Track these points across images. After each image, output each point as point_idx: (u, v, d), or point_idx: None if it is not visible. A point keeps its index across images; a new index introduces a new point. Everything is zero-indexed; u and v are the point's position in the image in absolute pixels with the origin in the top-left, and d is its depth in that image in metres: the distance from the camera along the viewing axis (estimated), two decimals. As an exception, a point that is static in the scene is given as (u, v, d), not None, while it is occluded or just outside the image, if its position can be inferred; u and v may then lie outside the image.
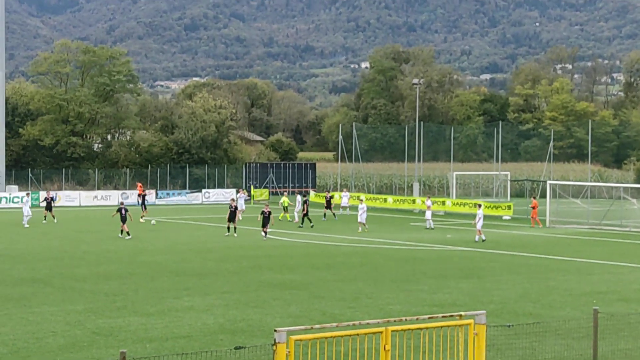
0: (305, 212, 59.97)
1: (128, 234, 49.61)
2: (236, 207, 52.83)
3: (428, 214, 59.15)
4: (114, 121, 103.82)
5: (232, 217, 51.51)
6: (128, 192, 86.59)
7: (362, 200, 61.42)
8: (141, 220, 62.01)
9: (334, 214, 66.60)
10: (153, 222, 54.55)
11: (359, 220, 55.99)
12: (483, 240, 48.85)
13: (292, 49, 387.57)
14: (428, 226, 58.41)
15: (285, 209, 64.64)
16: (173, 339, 22.35)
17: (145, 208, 63.88)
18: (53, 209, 62.27)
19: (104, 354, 20.59)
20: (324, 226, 59.09)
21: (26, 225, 57.28)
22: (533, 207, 62.20)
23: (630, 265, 39.13)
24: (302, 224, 59.44)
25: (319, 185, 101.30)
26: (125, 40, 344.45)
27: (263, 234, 49.20)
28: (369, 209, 75.43)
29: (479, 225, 49.69)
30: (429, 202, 60.76)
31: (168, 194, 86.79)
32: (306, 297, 29.10)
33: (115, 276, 33.61)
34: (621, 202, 64.55)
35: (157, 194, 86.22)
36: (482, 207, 53.29)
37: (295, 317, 25.43)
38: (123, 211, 50.34)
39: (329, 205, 67.02)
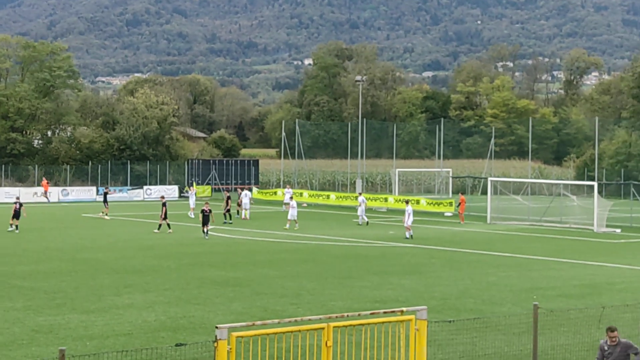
0: (227, 208, 59.44)
1: (17, 227, 49.56)
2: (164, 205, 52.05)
3: (360, 210, 59.35)
4: (55, 117, 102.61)
5: (165, 215, 51.23)
6: (69, 188, 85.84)
7: (291, 197, 60.67)
8: (104, 216, 61.44)
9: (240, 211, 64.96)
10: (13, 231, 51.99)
11: (288, 217, 55.62)
12: (411, 237, 48.75)
13: (234, 45, 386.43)
14: (361, 222, 58.67)
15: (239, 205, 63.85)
16: (113, 337, 22.18)
17: (107, 205, 63.26)
18: None
19: (44, 352, 20.37)
20: (266, 223, 58.89)
21: None
22: (460, 203, 62.79)
23: (570, 262, 39.54)
24: (230, 219, 58.72)
25: (262, 182, 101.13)
26: (66, 36, 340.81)
27: (204, 232, 48.23)
28: (312, 205, 75.52)
29: (409, 222, 49.56)
30: (360, 199, 60.98)
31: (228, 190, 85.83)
32: (248, 294, 29.03)
33: (55, 273, 33.28)
34: (561, 199, 65.26)
35: (97, 191, 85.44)
36: (410, 203, 53.47)
37: (237, 313, 25.36)
38: (17, 206, 50.41)
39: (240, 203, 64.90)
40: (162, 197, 54.06)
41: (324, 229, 55.04)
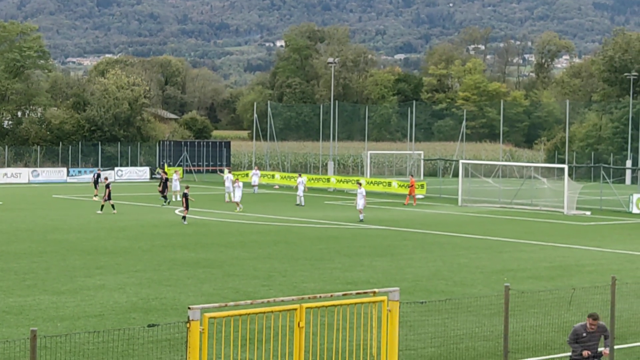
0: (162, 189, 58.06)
1: None
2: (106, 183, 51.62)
3: (300, 191, 59.38)
4: (25, 98, 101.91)
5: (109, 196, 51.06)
6: (39, 169, 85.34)
7: (237, 179, 57.96)
8: (94, 198, 60.68)
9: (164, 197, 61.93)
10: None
11: (234, 199, 54.46)
12: (360, 220, 47.99)
13: (206, 26, 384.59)
14: (298, 202, 58.63)
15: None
16: (85, 318, 22.12)
17: (97, 187, 62.33)
18: None
19: (14, 333, 20.28)
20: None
21: None
22: (411, 185, 62.94)
23: (540, 244, 39.77)
24: (165, 201, 57.64)
25: (234, 163, 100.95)
26: (36, 16, 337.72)
27: (183, 218, 46.00)
28: (283, 187, 75.53)
29: (360, 205, 48.74)
30: (300, 179, 61.12)
31: (80, 171, 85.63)
32: (220, 276, 29.02)
33: (26, 254, 33.12)
34: (532, 182, 65.56)
35: (68, 172, 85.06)
36: (363, 184, 52.67)
37: (208, 295, 25.35)
38: None
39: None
40: (106, 179, 53.93)
41: (295, 210, 55.04)
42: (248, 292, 25.78)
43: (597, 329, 16.36)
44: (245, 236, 40.78)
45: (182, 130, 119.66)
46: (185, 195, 46.74)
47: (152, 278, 28.20)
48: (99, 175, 64.43)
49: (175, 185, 63.04)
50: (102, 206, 51.21)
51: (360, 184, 52.48)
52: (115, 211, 50.72)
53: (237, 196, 54.32)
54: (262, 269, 30.58)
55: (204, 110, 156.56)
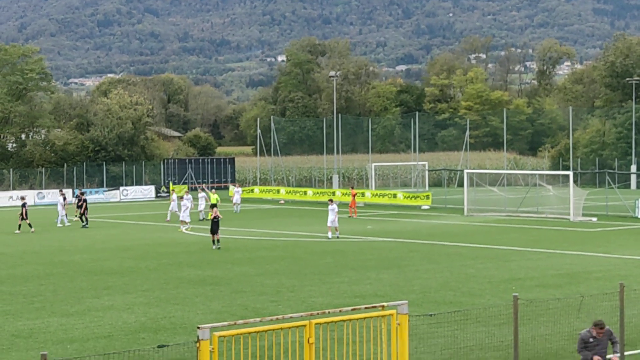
0: (82, 211, 56.91)
1: None
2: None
3: (236, 198, 64.55)
4: (28, 120, 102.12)
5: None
6: (44, 191, 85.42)
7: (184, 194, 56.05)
8: (75, 218, 60.45)
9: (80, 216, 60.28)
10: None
11: (181, 218, 52.53)
12: (337, 238, 45.94)
13: (207, 43, 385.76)
14: (235, 210, 62.23)
15: (214, 206, 60.95)
16: (94, 339, 22.10)
17: (80, 208, 61.78)
18: None
19: (24, 357, 20.29)
20: (243, 221, 58.68)
21: None
22: (353, 195, 62.74)
23: (547, 251, 39.70)
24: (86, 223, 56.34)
25: (239, 179, 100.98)
26: (37, 38, 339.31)
27: (214, 242, 42.93)
28: (289, 202, 75.50)
29: (331, 222, 46.32)
30: (237, 189, 65.42)
31: (85, 192, 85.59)
32: (228, 293, 28.99)
33: (33, 277, 33.12)
34: (537, 189, 65.51)
35: (73, 193, 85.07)
36: (334, 201, 49.03)
37: (217, 312, 25.33)
38: None
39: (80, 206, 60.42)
40: (23, 198, 54.45)
41: (301, 225, 55.03)
42: (257, 309, 25.75)
43: (604, 335, 16.43)
44: (252, 252, 40.77)
45: (186, 148, 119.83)
46: (213, 219, 43.46)
47: (160, 297, 28.19)
48: (82, 194, 62.60)
49: (202, 204, 59.81)
50: (20, 225, 52.57)
51: (332, 201, 48.93)
52: (32, 230, 52.10)
53: (185, 215, 51.96)
54: (270, 284, 30.56)
55: (207, 127, 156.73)
